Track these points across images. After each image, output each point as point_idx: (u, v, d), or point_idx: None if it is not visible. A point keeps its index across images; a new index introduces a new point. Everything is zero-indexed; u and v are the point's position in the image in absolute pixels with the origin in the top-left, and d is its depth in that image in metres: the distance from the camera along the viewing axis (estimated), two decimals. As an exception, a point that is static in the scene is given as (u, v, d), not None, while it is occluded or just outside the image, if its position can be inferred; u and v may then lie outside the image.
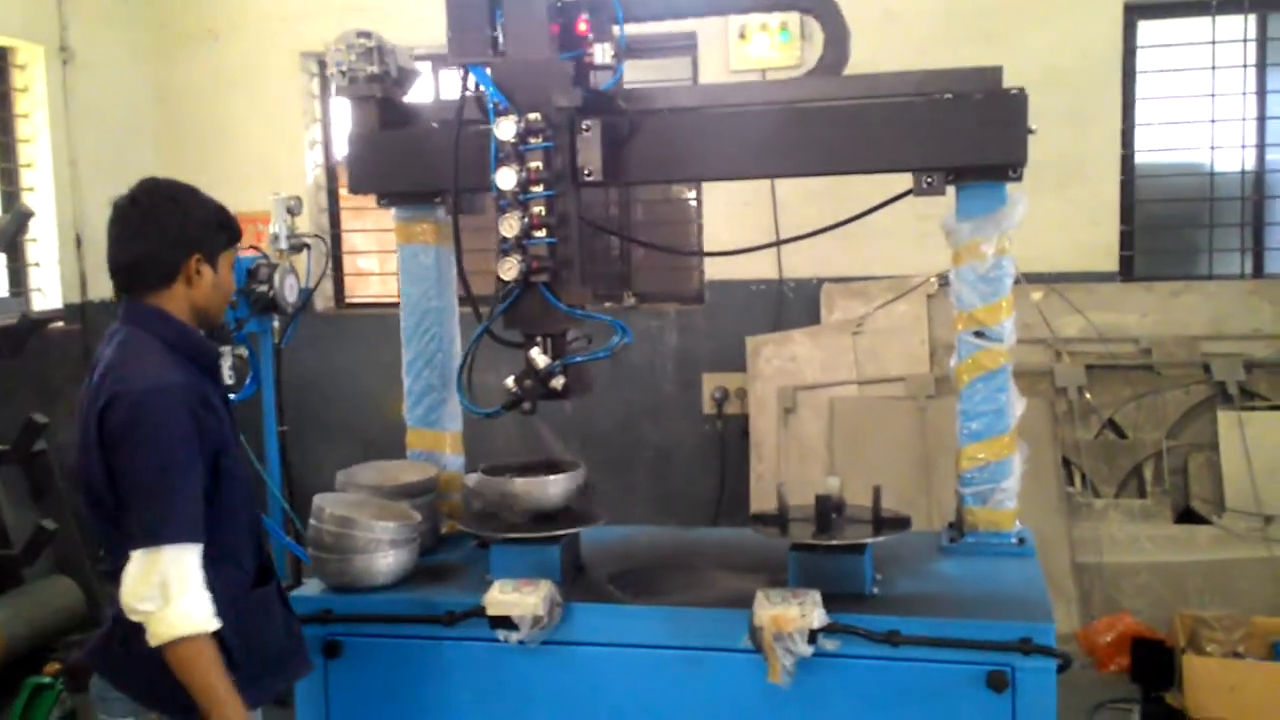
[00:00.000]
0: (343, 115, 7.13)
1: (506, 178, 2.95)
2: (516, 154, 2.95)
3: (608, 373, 6.85)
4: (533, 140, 2.94)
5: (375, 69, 3.28)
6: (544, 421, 3.25)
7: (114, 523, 2.46)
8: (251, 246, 5.38)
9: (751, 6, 3.55)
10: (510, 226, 2.96)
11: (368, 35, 3.28)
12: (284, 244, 5.31)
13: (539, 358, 3.07)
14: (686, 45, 6.68)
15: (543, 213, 2.96)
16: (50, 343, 6.24)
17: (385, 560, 3.09)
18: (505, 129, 2.94)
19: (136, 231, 2.55)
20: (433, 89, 7.11)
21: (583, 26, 3.06)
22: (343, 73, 3.29)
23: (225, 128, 7.31)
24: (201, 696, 2.39)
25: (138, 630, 2.41)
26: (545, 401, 3.15)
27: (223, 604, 2.43)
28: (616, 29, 3.10)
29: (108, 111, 6.99)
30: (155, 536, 2.36)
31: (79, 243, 6.76)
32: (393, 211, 3.51)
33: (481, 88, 3.06)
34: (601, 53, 3.08)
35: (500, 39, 3.04)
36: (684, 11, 3.40)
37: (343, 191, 7.49)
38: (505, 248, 2.98)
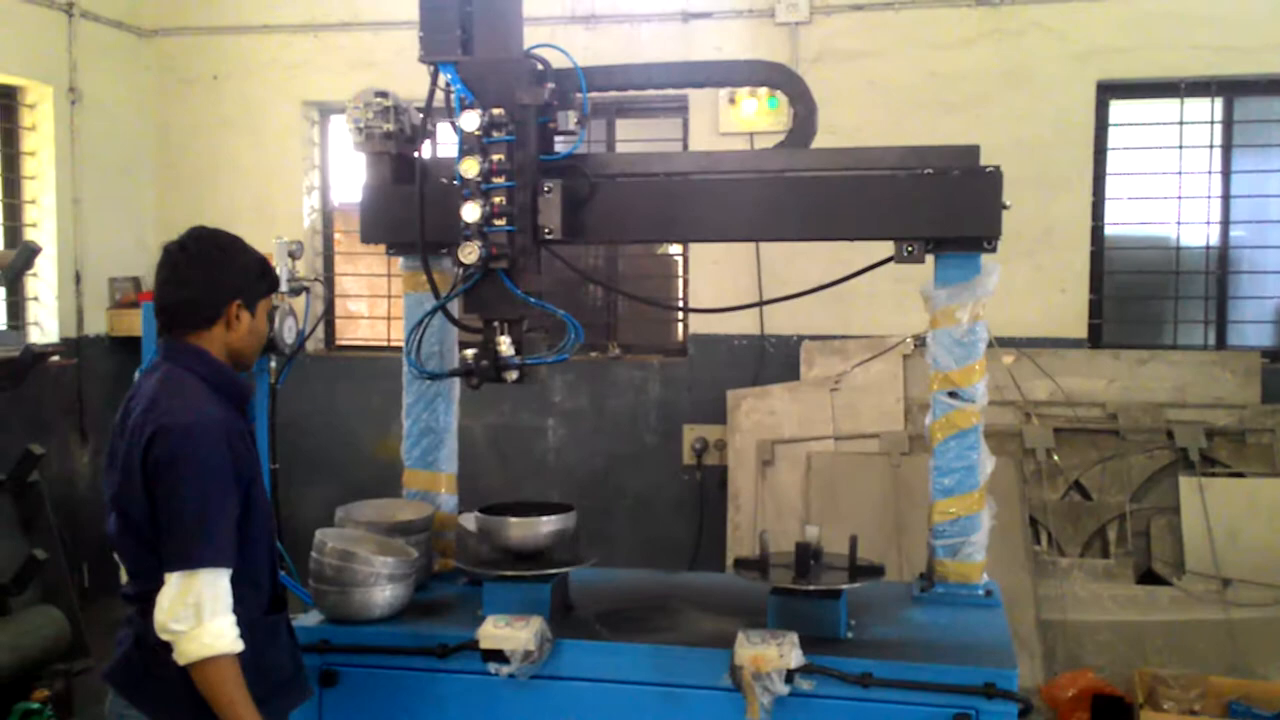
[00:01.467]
0: (349, 166, 7.35)
1: (469, 167, 3.13)
2: (480, 145, 3.13)
3: (590, 420, 7.02)
4: (496, 134, 3.13)
5: (391, 127, 3.46)
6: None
7: (148, 547, 2.59)
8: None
9: (723, 81, 3.73)
10: (472, 213, 3.13)
11: (385, 95, 3.46)
12: (284, 287, 5.43)
13: (506, 347, 3.21)
14: (678, 107, 6.92)
15: (503, 202, 3.15)
16: (45, 376, 6.35)
17: (383, 594, 3.22)
18: (469, 120, 3.13)
19: (184, 276, 2.72)
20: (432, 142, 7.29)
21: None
22: (360, 129, 3.46)
23: (225, 171, 7.49)
24: (226, 714, 2.52)
25: (159, 650, 2.54)
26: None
27: (240, 626, 2.56)
28: (580, 96, 3.30)
29: (111, 151, 7.17)
30: (193, 560, 2.50)
31: (78, 279, 6.89)
32: (400, 261, 3.68)
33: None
34: (565, 119, 3.29)
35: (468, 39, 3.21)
36: (650, 83, 3.52)
37: (337, 236, 7.66)
38: (467, 234, 3.15)
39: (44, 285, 6.78)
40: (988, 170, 3.21)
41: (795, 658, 2.84)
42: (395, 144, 3.49)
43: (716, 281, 6.81)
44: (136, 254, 7.44)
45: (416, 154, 3.46)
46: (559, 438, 7.13)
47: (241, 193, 7.42)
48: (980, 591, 3.38)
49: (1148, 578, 5.98)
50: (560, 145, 3.38)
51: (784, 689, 2.83)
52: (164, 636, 2.51)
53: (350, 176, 7.58)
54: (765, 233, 3.76)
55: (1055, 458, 6.15)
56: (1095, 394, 6.28)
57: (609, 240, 3.72)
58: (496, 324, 3.25)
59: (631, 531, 6.96)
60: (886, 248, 3.33)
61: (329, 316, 7.53)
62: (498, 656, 2.99)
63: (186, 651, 2.49)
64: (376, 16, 7.18)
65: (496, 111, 3.13)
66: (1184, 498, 5.95)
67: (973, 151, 3.26)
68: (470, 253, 3.14)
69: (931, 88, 6.51)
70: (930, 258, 3.31)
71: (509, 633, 3.00)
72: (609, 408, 7.01)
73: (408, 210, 3.51)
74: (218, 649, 2.49)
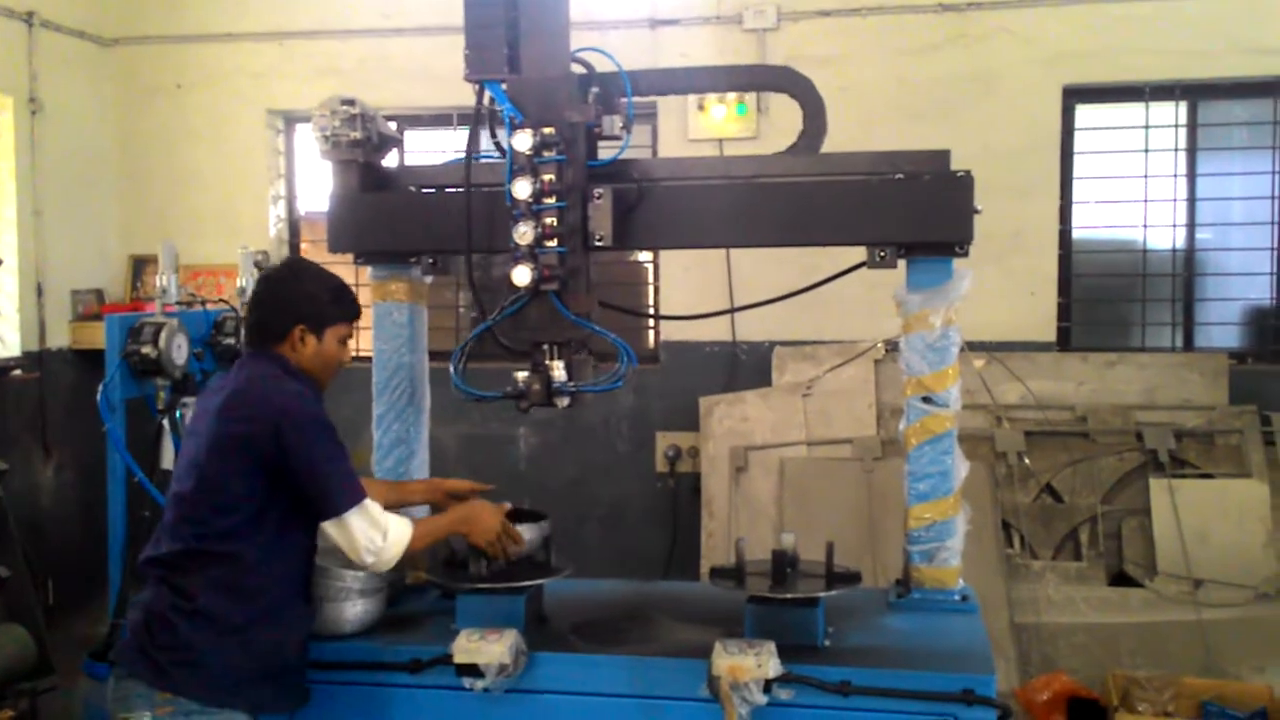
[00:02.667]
0: (315, 175, 7.29)
1: (522, 188, 3.06)
2: (531, 166, 3.06)
3: (562, 429, 6.99)
4: (546, 153, 3.07)
5: (358, 135, 3.41)
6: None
7: (224, 511, 2.84)
8: (219, 300, 5.46)
9: (736, 86, 3.73)
10: (525, 235, 3.07)
11: (351, 102, 3.41)
12: (249, 297, 5.36)
13: (559, 372, 3.17)
14: (647, 114, 6.91)
15: (554, 223, 3.08)
16: (7, 390, 6.25)
17: (354, 609, 3.18)
18: (521, 141, 3.06)
19: (261, 300, 3.07)
20: (399, 151, 7.25)
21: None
22: (326, 137, 3.42)
23: (190, 181, 7.41)
24: (437, 540, 3.13)
25: (180, 618, 2.80)
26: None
27: (277, 595, 2.90)
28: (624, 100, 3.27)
29: (73, 162, 7.07)
30: (356, 497, 2.88)
31: (40, 291, 6.79)
32: (369, 270, 3.64)
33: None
34: (610, 124, 3.24)
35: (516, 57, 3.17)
36: (680, 89, 3.64)
37: (304, 246, 7.59)
38: (518, 255, 3.09)
39: (5, 298, 6.67)
40: (959, 175, 3.21)
41: (773, 667, 2.82)
42: (363, 152, 3.45)
43: (687, 288, 6.80)
44: (99, 266, 7.34)
45: (466, 164, 3.33)
46: (530, 447, 7.09)
47: (206, 203, 7.34)
48: (956, 597, 3.38)
49: (1120, 579, 6.00)
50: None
51: (762, 699, 2.81)
52: (368, 561, 2.91)
53: (317, 186, 7.51)
54: (736, 239, 3.73)
55: (1026, 461, 6.17)
56: (1065, 397, 6.32)
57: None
58: (546, 347, 3.20)
59: (605, 541, 6.93)
60: (858, 253, 3.33)
61: (297, 327, 7.44)
62: (472, 671, 2.95)
63: (386, 560, 2.93)
64: (342, 24, 7.12)
65: (547, 131, 3.06)
66: (1154, 499, 5.98)
67: (944, 156, 3.26)
68: (523, 275, 3.08)
69: (900, 93, 6.53)
70: (902, 263, 3.31)
71: (483, 646, 2.96)
72: (581, 416, 6.97)
73: (376, 219, 3.49)
74: (404, 544, 2.94)
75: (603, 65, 3.34)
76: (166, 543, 2.90)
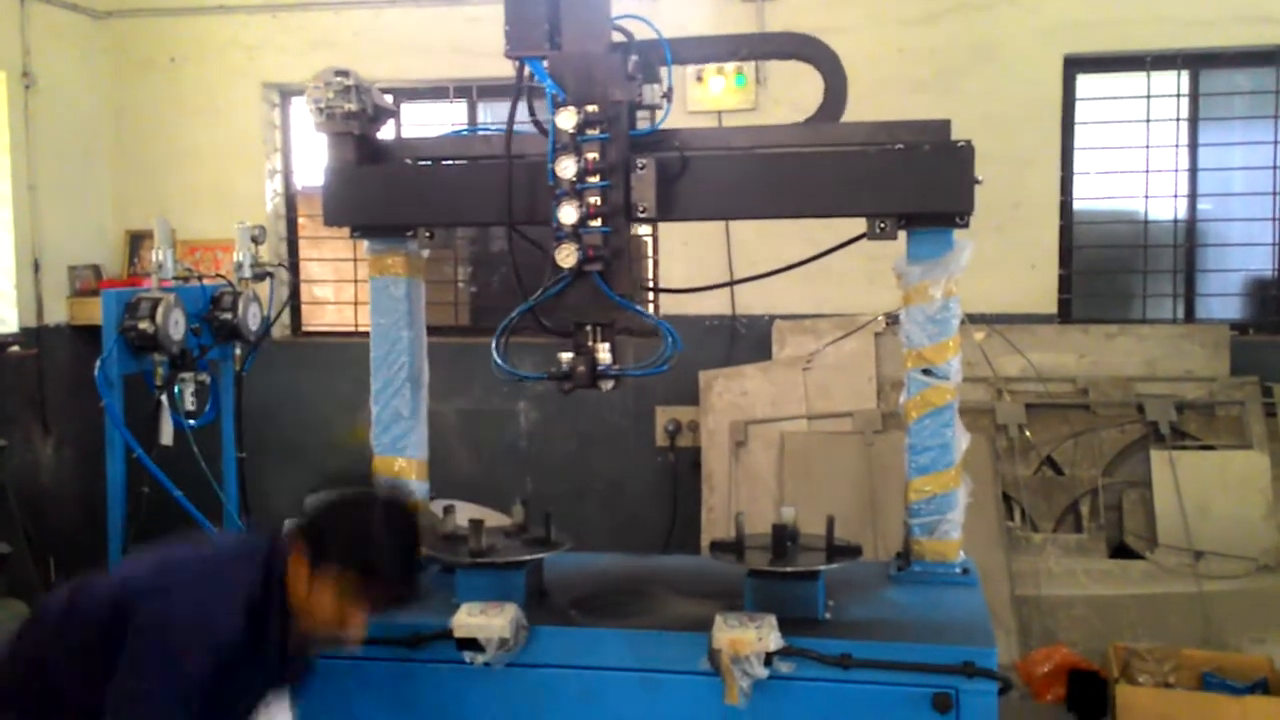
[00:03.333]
0: (311, 149, 7.25)
1: (566, 167, 3.00)
2: (575, 145, 3.00)
3: (560, 404, 6.95)
4: (590, 131, 3.01)
5: (353, 106, 3.37)
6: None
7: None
8: (216, 275, 5.44)
9: (762, 55, 3.67)
10: (569, 215, 3.00)
11: (346, 74, 3.37)
12: (247, 272, 5.35)
13: (605, 354, 3.12)
14: (645, 86, 6.85)
15: (598, 202, 3.02)
16: (6, 367, 6.23)
17: (353, 583, 3.16)
18: (566, 119, 2.99)
19: (337, 523, 2.67)
20: (395, 124, 7.21)
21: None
22: (320, 109, 3.38)
23: (185, 155, 7.36)
24: None
25: None
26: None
27: None
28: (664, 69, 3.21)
29: (67, 137, 7.03)
30: None
31: (36, 267, 6.76)
32: (365, 244, 3.61)
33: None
34: (651, 93, 3.19)
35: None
36: (714, 57, 3.63)
37: (301, 220, 7.56)
38: (561, 235, 3.02)
39: (2, 274, 6.64)
40: (959, 145, 3.16)
41: (774, 640, 2.81)
42: (358, 124, 3.40)
43: (686, 261, 6.77)
44: (96, 241, 7.30)
45: (539, 129, 3.25)
46: (530, 422, 7.08)
47: (201, 177, 7.30)
48: (957, 570, 3.36)
49: (1120, 552, 6.01)
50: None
51: (763, 672, 2.80)
52: None
53: (314, 160, 7.47)
54: (734, 210, 3.70)
55: (1027, 433, 6.16)
56: (1066, 369, 6.30)
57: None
58: (589, 329, 3.15)
59: (605, 515, 6.92)
60: (858, 225, 3.30)
61: (294, 302, 7.43)
62: (472, 645, 2.94)
63: None
64: (337, -4, 7.07)
65: (591, 109, 2.99)
66: (1155, 471, 5.98)
67: (944, 126, 3.22)
68: (568, 255, 3.02)
69: (900, 64, 6.48)
70: (902, 235, 3.28)
71: (483, 620, 2.94)
72: (580, 390, 6.94)
73: (372, 192, 3.46)
74: None
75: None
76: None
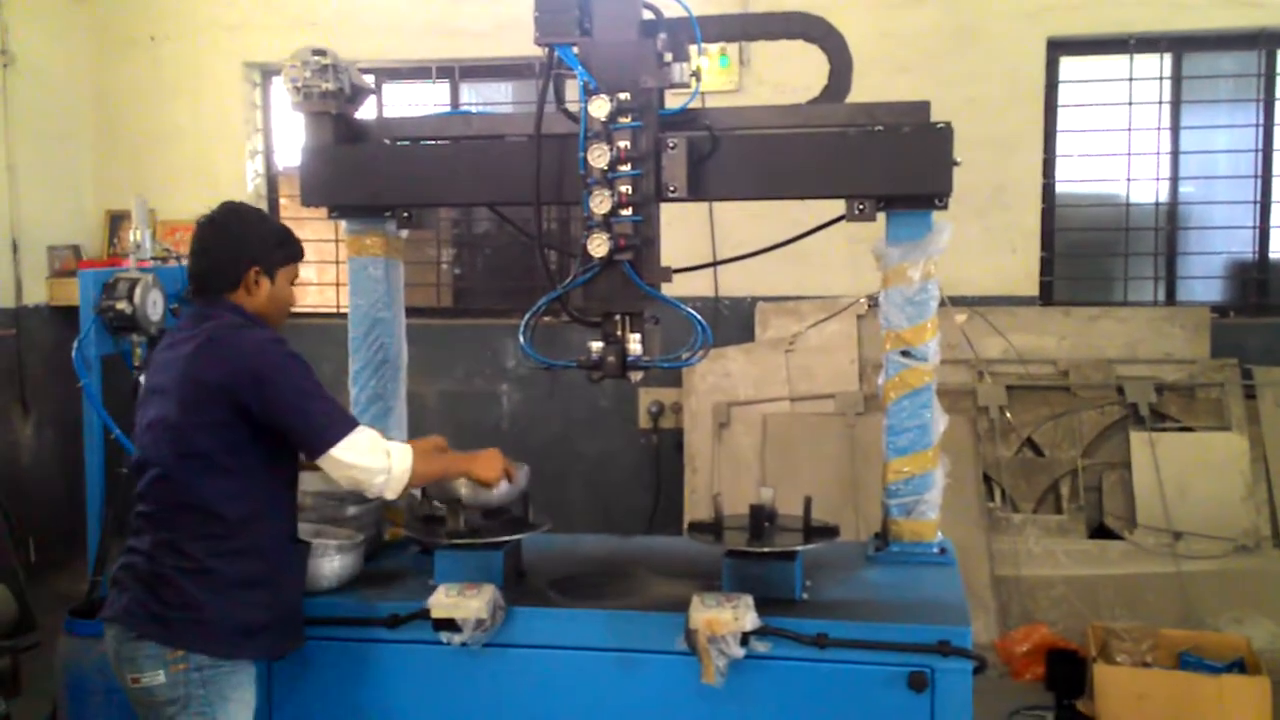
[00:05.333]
0: (293, 129, 7.20)
1: (598, 155, 2.97)
2: (606, 133, 2.97)
3: (545, 385, 6.97)
4: (621, 120, 2.97)
5: (330, 86, 3.36)
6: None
7: (208, 469, 2.81)
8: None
9: (770, 34, 3.62)
10: (601, 203, 2.98)
11: (323, 53, 3.36)
12: (226, 253, 5.31)
13: (635, 345, 3.11)
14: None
15: (629, 191, 2.99)
16: (-15, 347, 6.21)
17: (330, 565, 3.16)
18: (599, 108, 2.96)
19: (208, 245, 2.97)
20: (377, 104, 7.18)
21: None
22: (298, 88, 3.37)
23: (165, 134, 7.31)
24: (447, 477, 3.08)
25: (178, 575, 2.80)
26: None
27: (270, 545, 2.89)
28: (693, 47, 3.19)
29: (47, 116, 6.97)
30: (349, 425, 2.86)
31: (15, 247, 6.72)
32: (343, 225, 3.60)
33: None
34: (680, 72, 3.18)
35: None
36: (719, 38, 3.63)
37: (283, 201, 7.52)
38: (592, 224, 3.00)
39: (-20, 255, 6.61)
40: (938, 126, 3.17)
41: (750, 620, 2.82)
42: (335, 103, 3.40)
43: (669, 243, 6.68)
44: (75, 221, 7.25)
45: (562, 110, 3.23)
46: (513, 403, 7.07)
47: (182, 157, 7.26)
48: (934, 550, 3.38)
49: (1100, 532, 6.04)
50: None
51: (739, 651, 2.81)
52: (378, 482, 2.86)
53: (295, 140, 7.42)
54: (714, 192, 3.68)
55: (1008, 415, 6.18)
56: (1047, 351, 6.32)
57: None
58: (619, 318, 3.13)
59: (589, 496, 6.93)
60: (839, 206, 3.30)
61: (276, 283, 7.38)
62: (449, 625, 2.94)
63: (395, 488, 2.89)
64: (318, -25, 7.02)
65: (623, 97, 2.95)
66: (1135, 453, 6.01)
67: (923, 108, 3.23)
68: (599, 245, 2.99)
69: (883, 47, 6.46)
70: (881, 216, 3.28)
71: (460, 601, 2.95)
72: (564, 372, 6.92)
73: (350, 172, 3.44)
74: (407, 465, 2.89)
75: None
76: (154, 499, 2.88)
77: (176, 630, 2.80)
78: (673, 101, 3.27)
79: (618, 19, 3.07)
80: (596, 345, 3.12)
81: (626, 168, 2.98)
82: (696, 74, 3.21)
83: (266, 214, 3.09)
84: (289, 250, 3.03)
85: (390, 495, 2.92)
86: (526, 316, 3.25)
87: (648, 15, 3.16)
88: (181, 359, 2.84)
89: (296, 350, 2.89)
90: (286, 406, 2.81)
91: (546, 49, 3.07)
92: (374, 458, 2.84)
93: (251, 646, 2.89)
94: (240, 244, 2.95)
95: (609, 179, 2.98)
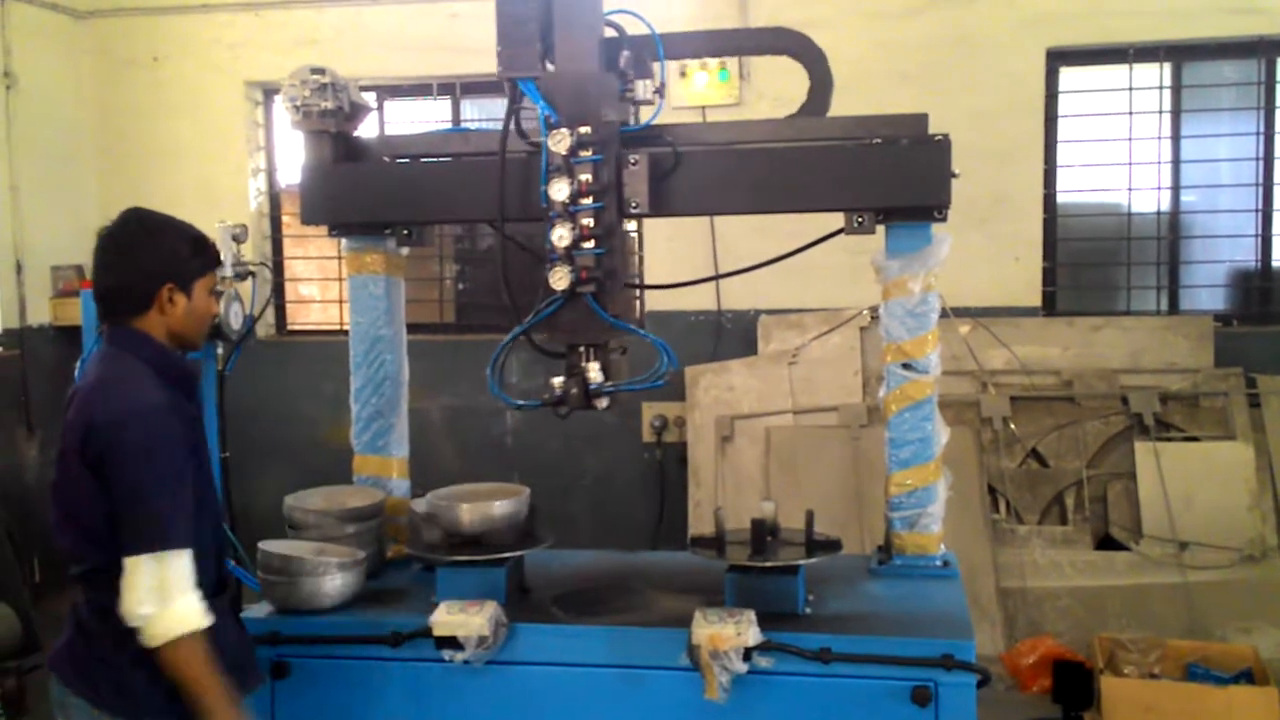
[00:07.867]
0: (294, 147, 7.22)
1: (559, 189, 2.98)
2: (568, 167, 2.98)
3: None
4: (583, 153, 2.98)
5: (329, 104, 3.37)
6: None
7: (89, 535, 2.57)
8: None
9: (749, 50, 3.63)
10: (562, 238, 2.99)
11: (322, 71, 3.37)
12: (230, 271, 5.32)
13: (595, 373, 3.10)
14: (628, 82, 6.83)
15: (591, 224, 2.99)
16: (-13, 367, 6.21)
17: (333, 583, 3.16)
18: (559, 142, 2.97)
19: (113, 262, 2.69)
20: (379, 121, 7.20)
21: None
22: (297, 107, 3.38)
23: (168, 154, 7.34)
24: (197, 688, 2.55)
25: (100, 636, 2.58)
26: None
27: None
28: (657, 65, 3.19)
29: (50, 137, 7.01)
30: (156, 542, 2.50)
31: (19, 268, 6.74)
32: (343, 242, 3.60)
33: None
34: (643, 88, 3.18)
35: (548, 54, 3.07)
36: (697, 53, 3.62)
37: (285, 219, 7.54)
38: (555, 258, 3.00)
39: (-16, 275, 6.63)
40: (936, 139, 3.17)
41: (753, 635, 2.81)
42: (335, 122, 3.41)
43: (671, 257, 6.76)
44: (79, 241, 7.25)
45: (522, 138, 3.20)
46: (516, 419, 7.07)
47: (185, 176, 7.28)
48: (938, 562, 3.37)
49: (1105, 543, 6.02)
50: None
51: (742, 667, 2.80)
52: (133, 623, 2.50)
53: (297, 158, 7.44)
54: (715, 205, 3.69)
55: (1012, 426, 6.17)
56: (1050, 362, 6.31)
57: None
58: (582, 349, 3.12)
59: (593, 511, 6.92)
60: (840, 220, 3.29)
61: (279, 301, 7.41)
62: (452, 643, 2.93)
63: (155, 634, 2.50)
64: (318, -6, 7.05)
65: (584, 130, 2.96)
66: (1140, 463, 5.99)
67: (921, 120, 3.22)
68: (561, 278, 2.99)
69: (881, 58, 6.47)
70: (881, 228, 3.28)
71: (463, 619, 2.94)
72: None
73: (349, 190, 3.45)
74: (187, 626, 2.51)
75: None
76: (79, 558, 2.64)
77: (103, 692, 2.62)
78: (659, 115, 3.26)
79: (579, 52, 3.08)
80: (558, 381, 3.12)
81: (588, 201, 2.98)
82: (659, 90, 3.21)
83: (175, 219, 2.72)
84: (204, 259, 2.75)
85: (145, 638, 2.52)
86: (495, 353, 3.25)
87: (610, 33, 3.17)
88: (73, 412, 2.61)
89: (170, 428, 2.57)
90: (117, 494, 2.52)
91: (508, 83, 3.08)
92: (154, 592, 2.48)
93: (177, 711, 2.60)
94: (149, 259, 2.66)
95: (570, 212, 2.99)
